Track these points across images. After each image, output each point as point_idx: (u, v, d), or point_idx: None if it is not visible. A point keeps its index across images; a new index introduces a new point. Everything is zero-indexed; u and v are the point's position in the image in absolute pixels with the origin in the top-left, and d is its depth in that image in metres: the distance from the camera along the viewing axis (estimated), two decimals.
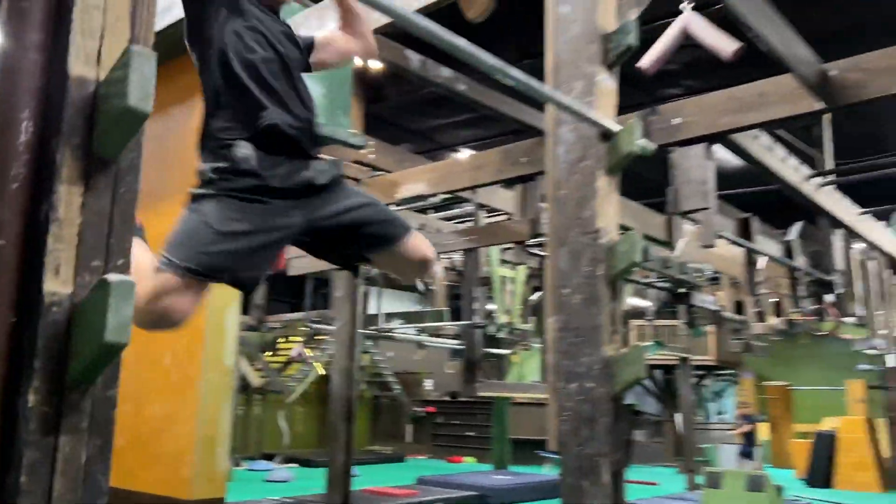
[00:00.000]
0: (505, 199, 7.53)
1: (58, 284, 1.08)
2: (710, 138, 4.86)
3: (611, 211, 2.22)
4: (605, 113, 2.22)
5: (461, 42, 1.73)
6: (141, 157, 1.20)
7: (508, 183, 6.65)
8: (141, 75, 1.11)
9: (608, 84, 2.28)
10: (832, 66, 4.44)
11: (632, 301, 12.60)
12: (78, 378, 1.08)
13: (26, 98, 1.11)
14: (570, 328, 2.16)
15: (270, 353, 12.81)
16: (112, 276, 1.06)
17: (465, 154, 8.33)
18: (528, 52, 6.25)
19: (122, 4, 1.18)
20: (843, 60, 4.44)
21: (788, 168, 5.50)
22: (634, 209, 7.05)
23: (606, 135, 2.21)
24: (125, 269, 1.15)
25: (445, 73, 4.86)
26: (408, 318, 10.67)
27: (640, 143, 2.18)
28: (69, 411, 1.07)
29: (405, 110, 9.15)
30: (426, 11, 2.98)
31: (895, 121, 7.41)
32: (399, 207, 7.45)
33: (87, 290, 1.10)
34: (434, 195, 6.76)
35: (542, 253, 8.39)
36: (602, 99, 2.25)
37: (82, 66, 1.13)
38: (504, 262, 9.56)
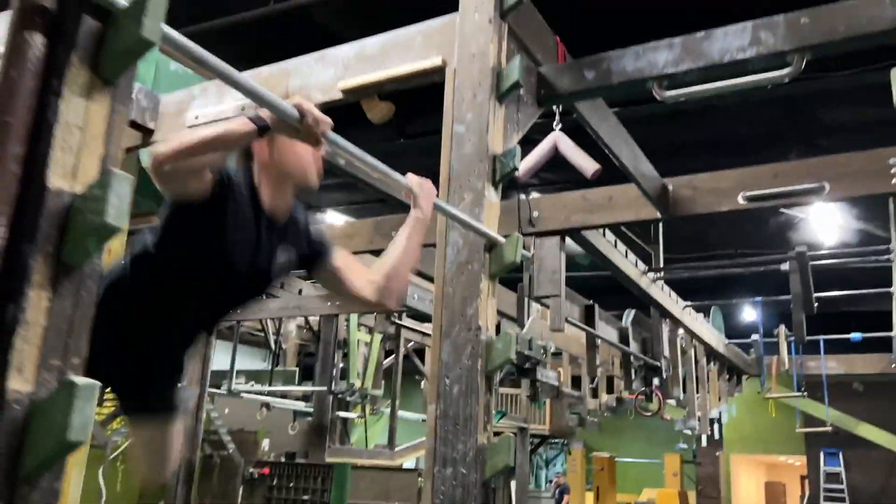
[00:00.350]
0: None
1: (20, 383, 1.15)
2: (563, 233, 5.38)
3: (491, 311, 2.50)
4: (490, 225, 2.51)
5: (376, 163, 1.96)
6: (102, 262, 1.30)
7: (378, 254, 6.86)
8: (118, 195, 1.23)
9: (494, 199, 2.59)
10: (670, 181, 5.09)
11: None
12: (31, 472, 1.14)
13: (2, 206, 1.19)
14: (448, 416, 2.38)
15: (97, 405, 11.95)
16: (78, 379, 1.15)
17: (334, 218, 8.48)
18: (404, 132, 6.60)
19: (98, 125, 1.30)
20: (678, 178, 5.10)
21: (628, 263, 6.15)
22: None
23: (491, 243, 2.50)
24: (79, 368, 1.23)
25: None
26: (255, 377, 10.43)
27: (521, 254, 2.49)
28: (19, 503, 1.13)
29: None
30: (328, 107, 3.18)
31: (717, 226, 8.46)
32: None
33: (46, 388, 1.18)
34: None
35: (400, 323, 8.62)
36: (488, 211, 2.54)
37: (60, 179, 1.23)
38: (360, 325, 9.68)
